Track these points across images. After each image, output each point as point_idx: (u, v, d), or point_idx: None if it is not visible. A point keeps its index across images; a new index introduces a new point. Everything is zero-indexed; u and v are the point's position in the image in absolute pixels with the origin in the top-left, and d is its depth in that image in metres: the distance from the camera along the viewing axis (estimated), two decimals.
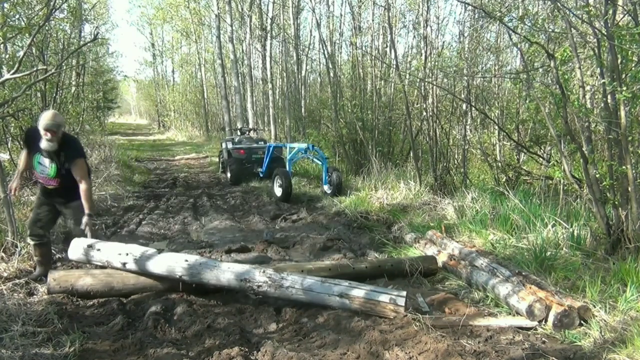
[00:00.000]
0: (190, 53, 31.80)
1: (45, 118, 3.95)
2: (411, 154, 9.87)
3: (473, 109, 9.30)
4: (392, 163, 10.34)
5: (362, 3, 14.26)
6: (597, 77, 5.25)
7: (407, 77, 10.79)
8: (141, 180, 11.46)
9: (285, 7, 17.31)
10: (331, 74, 12.79)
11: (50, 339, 3.17)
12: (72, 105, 9.66)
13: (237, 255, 5.18)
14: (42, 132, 3.94)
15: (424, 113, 9.24)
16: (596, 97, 6.14)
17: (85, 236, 4.22)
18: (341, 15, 17.66)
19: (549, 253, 4.37)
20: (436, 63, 9.39)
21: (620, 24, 4.39)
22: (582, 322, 3.33)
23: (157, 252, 4.03)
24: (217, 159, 13.53)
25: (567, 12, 4.65)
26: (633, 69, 4.37)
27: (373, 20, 13.40)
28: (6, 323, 3.24)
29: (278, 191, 8.78)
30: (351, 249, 5.57)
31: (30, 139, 4.12)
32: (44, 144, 3.97)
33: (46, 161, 4.11)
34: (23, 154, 4.33)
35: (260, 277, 3.74)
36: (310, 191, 9.66)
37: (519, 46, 6.97)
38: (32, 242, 4.35)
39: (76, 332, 3.21)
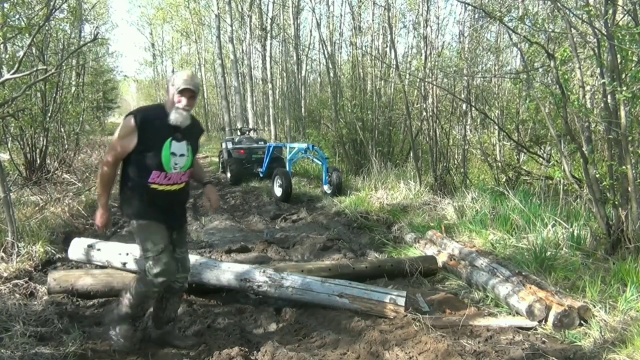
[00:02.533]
0: (190, 53, 31.83)
1: (185, 75, 2.76)
2: (411, 154, 9.87)
3: (473, 109, 9.31)
4: (392, 163, 10.34)
5: (362, 3, 14.26)
6: (597, 77, 5.25)
7: (407, 77, 10.79)
8: None
9: (285, 7, 17.32)
10: (331, 74, 12.79)
11: (50, 339, 3.17)
12: (72, 105, 9.64)
13: (237, 255, 5.18)
14: (177, 97, 2.72)
15: (424, 113, 9.24)
16: (596, 97, 6.14)
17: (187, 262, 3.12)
18: (341, 15, 17.67)
19: (549, 253, 4.37)
20: (436, 63, 9.39)
21: (620, 24, 4.39)
22: (582, 322, 3.33)
23: None
24: (217, 159, 13.53)
25: (567, 12, 4.66)
26: (633, 69, 4.37)
27: (373, 20, 13.41)
28: (6, 323, 3.24)
29: (278, 191, 8.78)
30: (351, 249, 5.57)
31: (149, 124, 2.71)
32: (181, 118, 2.74)
33: (182, 147, 2.82)
34: (111, 158, 2.77)
35: (260, 277, 3.74)
36: (310, 191, 9.66)
37: (519, 46, 6.98)
38: (147, 292, 2.87)
39: (76, 332, 3.21)
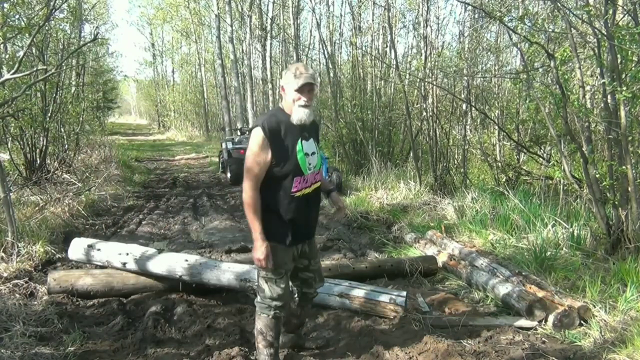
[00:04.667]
0: (190, 53, 31.84)
1: (300, 70, 2.53)
2: (411, 154, 9.86)
3: (473, 109, 9.30)
4: (392, 163, 10.34)
5: (362, 3, 14.25)
6: (597, 77, 5.25)
7: (407, 77, 10.79)
8: (141, 180, 11.46)
9: (285, 7, 17.30)
10: (331, 74, 12.78)
11: (50, 339, 3.17)
12: (72, 105, 9.65)
13: (237, 255, 5.17)
14: (296, 95, 2.53)
15: (424, 113, 9.24)
16: (596, 97, 6.14)
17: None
18: (341, 15, 17.67)
19: (549, 253, 4.37)
20: (436, 63, 9.39)
21: (620, 24, 4.39)
22: (582, 322, 3.33)
23: (157, 252, 4.03)
24: (217, 159, 13.54)
25: (567, 12, 4.65)
26: (633, 69, 4.37)
27: (373, 21, 13.40)
28: (6, 323, 3.24)
29: None
30: (351, 249, 5.57)
31: (277, 131, 2.53)
32: (305, 116, 2.56)
33: (311, 144, 2.68)
34: (252, 181, 2.55)
35: None
36: None
37: (519, 46, 6.97)
38: (271, 315, 2.68)
39: (76, 332, 3.21)
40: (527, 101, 7.37)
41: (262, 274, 2.66)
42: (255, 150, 2.50)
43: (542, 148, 7.93)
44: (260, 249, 2.52)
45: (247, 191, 2.52)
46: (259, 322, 2.72)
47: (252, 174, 2.52)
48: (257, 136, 2.50)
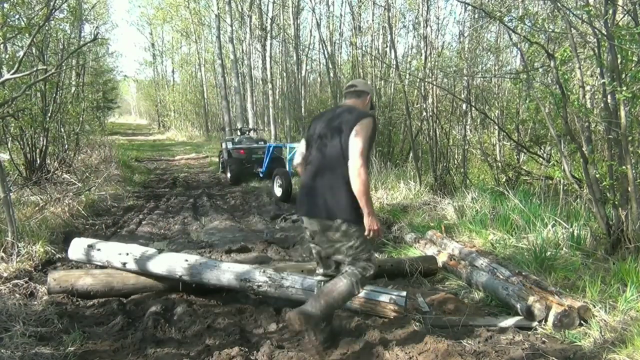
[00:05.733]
0: (190, 53, 31.85)
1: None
2: (411, 154, 9.86)
3: (473, 109, 9.31)
4: (392, 163, 10.34)
5: (362, 3, 14.26)
6: (597, 77, 5.25)
7: (407, 77, 10.79)
8: (141, 180, 11.46)
9: (285, 7, 17.31)
10: (331, 74, 12.79)
11: (50, 339, 3.17)
12: (72, 105, 9.64)
13: (237, 255, 5.18)
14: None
15: (424, 113, 9.24)
16: (596, 97, 6.14)
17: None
18: (341, 15, 17.68)
19: (549, 253, 4.37)
20: (436, 63, 9.39)
21: (620, 24, 4.39)
22: (582, 322, 3.33)
23: (157, 252, 4.03)
24: (217, 159, 13.54)
25: (567, 12, 4.65)
26: (633, 69, 4.37)
27: (373, 21, 13.42)
28: (6, 323, 3.24)
29: (278, 191, 8.78)
30: None
31: None
32: None
33: None
34: (367, 162, 2.88)
35: (260, 277, 3.74)
36: None
37: (519, 46, 6.98)
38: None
39: (76, 332, 3.21)
40: (527, 101, 7.37)
41: (366, 256, 2.94)
42: (371, 135, 2.89)
43: (542, 148, 7.93)
44: (376, 220, 2.84)
45: (364, 169, 2.78)
46: (345, 289, 2.89)
47: (365, 155, 2.84)
48: (371, 123, 2.90)
